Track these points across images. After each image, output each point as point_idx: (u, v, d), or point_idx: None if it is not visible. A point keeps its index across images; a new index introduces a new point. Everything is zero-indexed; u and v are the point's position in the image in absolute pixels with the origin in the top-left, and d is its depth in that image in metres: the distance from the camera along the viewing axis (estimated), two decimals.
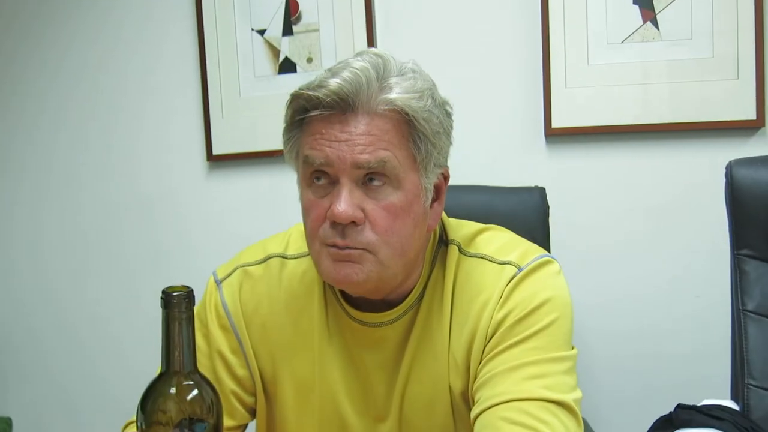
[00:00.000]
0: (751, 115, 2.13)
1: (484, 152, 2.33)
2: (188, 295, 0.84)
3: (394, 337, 1.20)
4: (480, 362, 1.15)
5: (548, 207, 1.93)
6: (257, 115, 2.48)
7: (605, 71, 2.23)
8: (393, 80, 1.08)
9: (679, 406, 1.59)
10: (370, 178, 1.08)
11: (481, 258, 1.20)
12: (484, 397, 1.10)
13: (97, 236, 2.70)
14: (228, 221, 2.57)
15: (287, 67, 2.45)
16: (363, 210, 1.08)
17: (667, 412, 1.61)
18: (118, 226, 2.68)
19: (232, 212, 2.57)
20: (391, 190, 1.09)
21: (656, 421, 1.62)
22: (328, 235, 1.09)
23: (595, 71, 2.23)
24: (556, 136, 2.29)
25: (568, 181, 2.27)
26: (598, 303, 2.26)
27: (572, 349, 1.16)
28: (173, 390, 0.84)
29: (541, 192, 1.94)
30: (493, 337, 1.14)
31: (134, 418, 0.96)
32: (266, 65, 2.47)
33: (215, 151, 2.54)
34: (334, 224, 1.08)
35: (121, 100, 2.64)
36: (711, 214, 2.05)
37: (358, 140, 1.06)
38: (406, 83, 1.09)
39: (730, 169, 1.70)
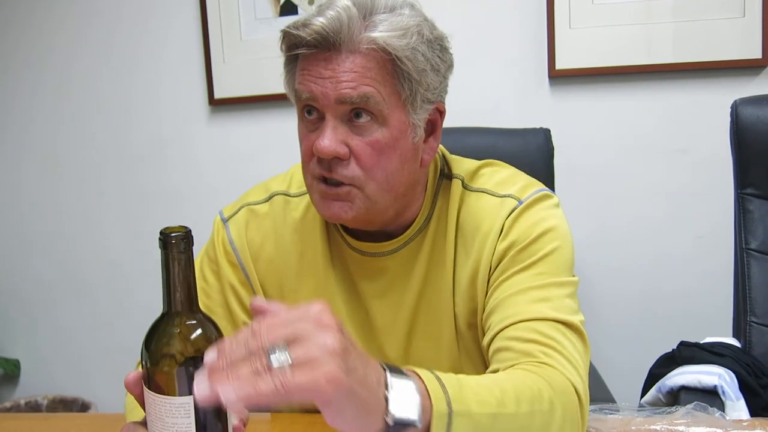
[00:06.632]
0: (757, 53, 2.12)
1: (488, 94, 2.32)
2: (186, 235, 0.83)
3: (395, 267, 1.23)
4: (486, 292, 1.18)
5: (553, 148, 1.93)
6: (258, 58, 2.46)
7: (610, 11, 2.20)
8: (379, 17, 1.09)
9: (682, 344, 1.62)
10: (356, 113, 1.10)
11: (483, 192, 1.23)
12: (494, 322, 1.13)
13: (100, 181, 2.71)
14: (230, 165, 2.57)
15: (288, 8, 2.42)
16: (348, 145, 1.10)
17: (670, 350, 1.63)
18: (121, 171, 2.69)
19: (234, 156, 2.57)
20: (377, 127, 1.10)
21: (659, 358, 1.64)
22: (316, 169, 1.13)
23: (599, 11, 2.21)
24: (560, 77, 2.28)
25: (572, 122, 2.27)
26: (601, 243, 2.27)
27: (573, 277, 1.19)
28: (176, 329, 0.84)
29: (546, 133, 1.94)
30: (498, 267, 1.17)
31: None
32: (267, 7, 2.44)
33: (217, 95, 2.53)
34: (320, 159, 1.11)
35: (120, 44, 2.61)
36: (716, 155, 2.05)
37: (341, 77, 1.08)
38: (393, 19, 1.09)
39: (735, 108, 1.70)
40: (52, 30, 2.66)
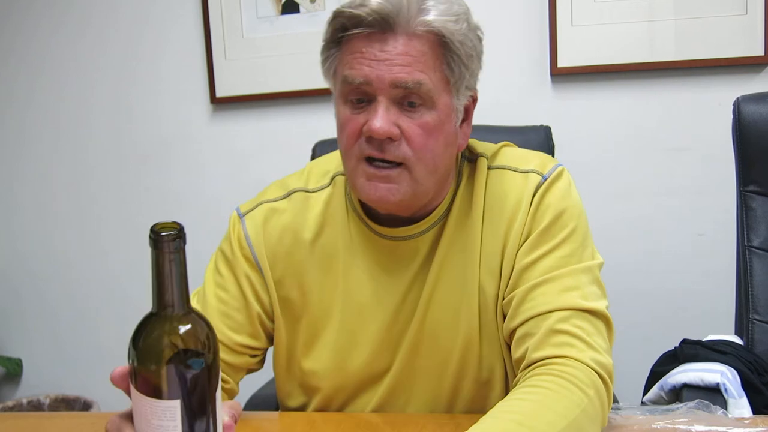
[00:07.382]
0: (759, 51, 2.11)
1: (489, 92, 2.29)
2: (179, 232, 0.79)
3: (424, 247, 1.24)
4: (512, 268, 1.20)
5: (554, 146, 1.93)
6: (260, 56, 2.46)
7: (612, 8, 2.20)
8: (431, 3, 1.11)
9: (684, 342, 1.61)
10: (408, 101, 1.12)
11: (505, 169, 1.25)
12: (524, 308, 1.16)
13: (100, 181, 2.71)
14: (231, 163, 2.57)
15: (290, 7, 2.42)
16: (399, 126, 1.12)
17: (672, 348, 1.63)
18: (122, 171, 2.68)
19: (236, 154, 2.57)
20: (425, 110, 1.13)
21: (662, 356, 1.64)
22: (364, 149, 1.13)
23: (601, 8, 2.20)
24: (561, 75, 2.27)
25: (574, 120, 2.26)
26: (602, 241, 2.25)
27: (593, 258, 1.22)
28: (165, 327, 0.81)
29: (546, 131, 1.94)
30: (525, 243, 1.20)
31: None
32: (269, 6, 2.44)
33: (218, 94, 2.52)
34: (371, 139, 1.12)
35: (121, 43, 2.61)
36: (717, 152, 2.05)
37: (396, 60, 1.09)
38: (442, 6, 1.12)
39: (738, 105, 1.69)
40: (52, 28, 2.66)
